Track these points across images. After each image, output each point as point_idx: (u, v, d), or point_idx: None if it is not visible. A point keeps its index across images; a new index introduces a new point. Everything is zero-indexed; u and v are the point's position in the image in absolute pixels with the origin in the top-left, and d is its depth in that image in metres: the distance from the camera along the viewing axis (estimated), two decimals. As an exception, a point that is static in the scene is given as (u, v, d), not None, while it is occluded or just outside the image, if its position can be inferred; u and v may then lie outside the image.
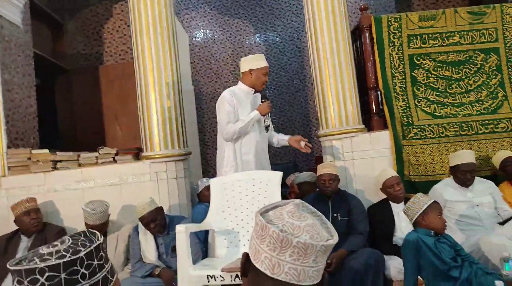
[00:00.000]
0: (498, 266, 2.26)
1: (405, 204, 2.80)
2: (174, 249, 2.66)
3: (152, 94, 3.13)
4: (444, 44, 3.37)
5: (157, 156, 3.08)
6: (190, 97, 4.34)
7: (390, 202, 2.89)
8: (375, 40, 3.36)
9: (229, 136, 2.67)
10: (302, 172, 3.73)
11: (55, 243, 0.78)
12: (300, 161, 6.36)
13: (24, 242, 2.75)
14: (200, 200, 3.52)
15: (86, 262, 0.73)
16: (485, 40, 3.35)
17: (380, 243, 2.78)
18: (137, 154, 3.28)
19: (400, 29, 3.38)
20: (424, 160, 3.21)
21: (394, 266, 2.53)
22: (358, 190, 3.17)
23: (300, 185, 3.39)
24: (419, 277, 2.19)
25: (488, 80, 3.31)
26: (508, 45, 3.35)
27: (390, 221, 2.82)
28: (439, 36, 3.37)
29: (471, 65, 3.33)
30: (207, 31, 6.53)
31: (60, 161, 3.11)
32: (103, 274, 0.77)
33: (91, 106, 4.56)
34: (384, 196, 2.95)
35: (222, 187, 2.36)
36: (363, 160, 3.21)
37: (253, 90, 2.80)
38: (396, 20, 3.39)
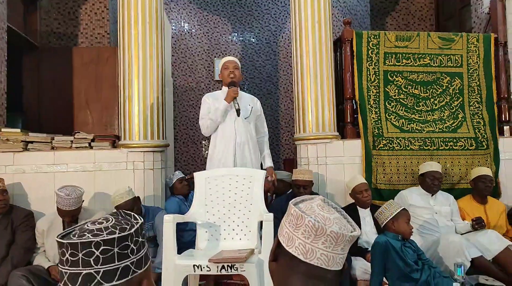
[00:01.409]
0: (450, 264, 2.53)
1: (370, 210, 3.03)
2: (149, 240, 2.67)
3: (136, 83, 3.10)
4: (415, 64, 3.63)
5: (136, 145, 3.06)
6: (169, 88, 4.30)
7: (358, 207, 3.06)
8: (355, 53, 3.55)
9: (203, 129, 2.89)
10: (280, 170, 3.85)
11: (101, 220, 0.81)
12: (266, 162, 6.49)
13: (-12, 223, 2.62)
14: (173, 192, 3.52)
15: (134, 238, 0.78)
16: (451, 65, 3.66)
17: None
18: (113, 141, 3.22)
19: (378, 46, 3.60)
20: (391, 170, 3.44)
21: (360, 266, 2.70)
22: (329, 194, 3.33)
23: (276, 182, 3.50)
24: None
25: (451, 102, 3.62)
26: (470, 71, 3.67)
27: (357, 225, 3.00)
28: (411, 56, 3.63)
29: (438, 86, 3.63)
30: (185, 24, 6.49)
31: (31, 142, 2.99)
32: (145, 251, 0.82)
33: (60, 88, 4.38)
34: (351, 200, 3.13)
35: (206, 181, 2.41)
36: (335, 166, 3.38)
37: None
38: (375, 37, 3.60)
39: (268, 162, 3.03)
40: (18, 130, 2.99)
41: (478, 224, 2.82)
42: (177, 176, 3.54)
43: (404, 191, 3.13)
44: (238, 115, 2.82)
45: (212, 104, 2.87)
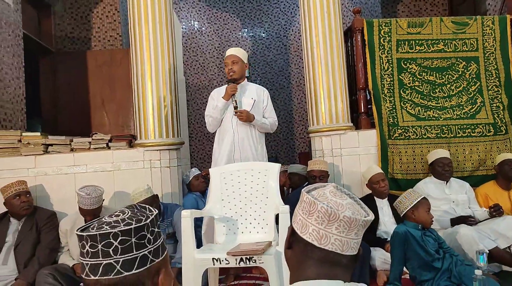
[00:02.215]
0: (468, 254, 2.50)
1: (388, 200, 3.00)
2: (168, 236, 2.72)
3: (149, 83, 3.14)
4: (429, 51, 3.56)
5: (151, 144, 3.11)
6: (181, 87, 4.35)
7: (375, 197, 3.04)
8: (366, 42, 3.51)
9: (207, 126, 2.94)
10: (295, 164, 3.86)
11: (117, 213, 0.84)
12: (282, 157, 6.49)
13: (14, 224, 2.70)
14: (190, 189, 3.57)
15: (150, 228, 0.80)
16: (466, 49, 3.57)
17: (365, 236, 2.92)
18: (129, 141, 3.28)
19: (390, 34, 3.54)
20: (407, 159, 3.40)
21: (379, 256, 2.68)
22: (345, 185, 3.32)
23: (291, 175, 3.52)
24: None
25: (468, 87, 3.54)
26: (486, 55, 3.58)
27: (375, 215, 2.98)
28: (425, 42, 3.57)
29: (454, 72, 3.55)
30: (195, 22, 6.52)
31: (51, 144, 3.07)
32: (162, 241, 0.84)
33: (76, 91, 4.48)
34: (368, 191, 3.11)
35: (221, 176, 2.43)
36: (350, 157, 3.36)
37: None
38: (386, 24, 3.55)
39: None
40: (38, 133, 3.07)
41: (496, 211, 2.76)
42: (193, 173, 3.59)
43: (419, 184, 3.10)
44: (236, 113, 2.80)
45: (217, 100, 2.87)
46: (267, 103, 2.98)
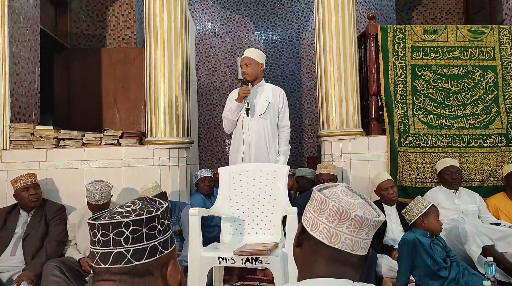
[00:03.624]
0: (462, 250, 2.56)
1: (396, 207, 2.97)
2: (175, 234, 2.72)
3: (161, 81, 3.17)
4: (444, 58, 3.53)
5: (161, 142, 3.12)
6: (193, 87, 4.37)
7: (383, 204, 3.01)
8: (380, 48, 3.49)
9: (224, 127, 3.00)
10: (303, 168, 3.85)
11: (128, 204, 0.84)
12: (290, 160, 6.47)
13: (24, 217, 2.73)
14: (197, 189, 3.58)
15: (161, 220, 0.81)
16: (483, 58, 3.53)
17: (372, 242, 2.89)
18: (140, 138, 3.30)
19: (404, 40, 3.52)
20: (417, 167, 3.36)
21: (385, 264, 2.65)
22: (354, 191, 3.29)
23: (299, 179, 3.51)
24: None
25: (484, 95, 3.49)
26: (504, 64, 3.54)
27: (383, 223, 2.95)
28: (440, 50, 3.53)
29: (470, 80, 3.51)
30: (209, 24, 6.57)
31: (63, 139, 3.10)
32: (171, 233, 0.84)
33: (89, 87, 4.53)
34: (377, 198, 3.08)
35: (230, 176, 2.44)
36: (359, 162, 3.34)
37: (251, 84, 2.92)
38: (401, 31, 3.53)
39: (281, 161, 2.90)
40: (51, 127, 3.11)
41: None
42: (202, 173, 3.58)
43: (428, 192, 3.08)
44: (248, 114, 2.82)
45: (231, 102, 2.92)
46: (283, 105, 2.99)
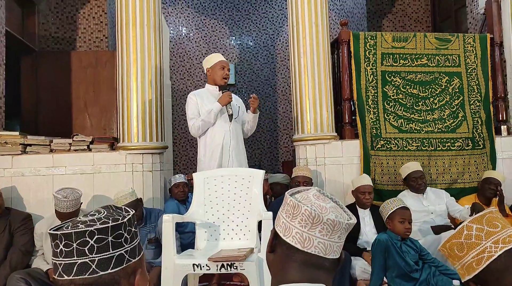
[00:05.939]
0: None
1: (370, 210, 3.03)
2: (150, 241, 2.67)
3: (134, 85, 3.11)
4: (413, 65, 3.65)
5: (134, 147, 3.06)
6: (167, 91, 4.31)
7: (357, 206, 3.07)
8: (352, 54, 3.57)
9: (195, 130, 2.82)
10: (275, 174, 3.85)
11: (93, 212, 0.81)
12: (265, 165, 6.49)
13: (-14, 226, 2.61)
14: (171, 195, 3.51)
15: (127, 228, 0.78)
16: (449, 64, 3.67)
17: (346, 245, 2.93)
18: (112, 144, 3.22)
19: (375, 47, 3.61)
20: (388, 170, 3.44)
21: (359, 266, 2.69)
22: (328, 194, 3.33)
23: (273, 185, 3.51)
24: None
25: (451, 101, 3.62)
26: (469, 70, 3.69)
27: (356, 225, 3.00)
28: (409, 57, 3.65)
29: (437, 86, 3.63)
30: (183, 28, 6.52)
31: (30, 145, 2.98)
32: (138, 241, 0.82)
33: (58, 91, 4.38)
34: (351, 200, 3.12)
35: (205, 182, 2.41)
36: (334, 166, 3.38)
37: (217, 87, 2.86)
38: (372, 38, 3.62)
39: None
40: (17, 133, 2.99)
41: (475, 210, 2.80)
42: (176, 179, 3.52)
43: (397, 197, 3.14)
44: (231, 120, 2.79)
45: (200, 103, 2.80)
46: (245, 109, 3.06)
